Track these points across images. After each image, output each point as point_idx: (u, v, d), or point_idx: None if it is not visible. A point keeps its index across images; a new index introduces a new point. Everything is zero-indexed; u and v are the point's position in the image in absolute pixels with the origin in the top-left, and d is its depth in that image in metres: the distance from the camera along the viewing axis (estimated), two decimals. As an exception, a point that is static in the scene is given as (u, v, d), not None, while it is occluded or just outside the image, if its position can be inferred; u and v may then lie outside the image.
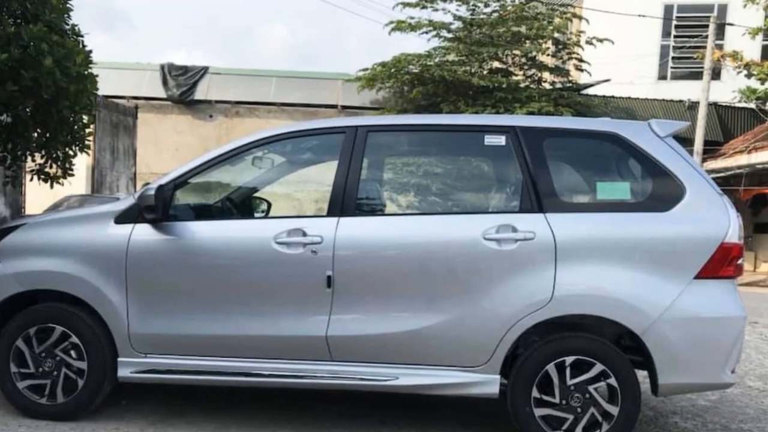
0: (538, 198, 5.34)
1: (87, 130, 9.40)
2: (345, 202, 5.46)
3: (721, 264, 5.15)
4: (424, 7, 26.42)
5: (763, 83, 26.49)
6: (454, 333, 5.23)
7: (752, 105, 28.39)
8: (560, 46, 27.36)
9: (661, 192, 5.35)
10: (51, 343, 5.58)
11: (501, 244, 5.22)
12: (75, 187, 13.87)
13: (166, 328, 5.49)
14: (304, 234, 5.37)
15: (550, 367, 5.16)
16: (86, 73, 8.75)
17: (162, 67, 28.87)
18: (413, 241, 5.38)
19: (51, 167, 9.17)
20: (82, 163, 15.59)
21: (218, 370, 5.48)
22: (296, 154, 6.48)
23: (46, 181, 9.26)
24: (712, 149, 26.47)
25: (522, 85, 25.86)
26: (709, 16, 27.30)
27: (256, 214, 6.88)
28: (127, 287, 5.50)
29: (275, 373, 5.43)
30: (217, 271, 5.49)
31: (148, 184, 5.81)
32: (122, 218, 5.59)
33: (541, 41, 26.13)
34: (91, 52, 8.90)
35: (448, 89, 25.35)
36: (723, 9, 30.20)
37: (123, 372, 5.56)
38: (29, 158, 9.24)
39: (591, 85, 27.74)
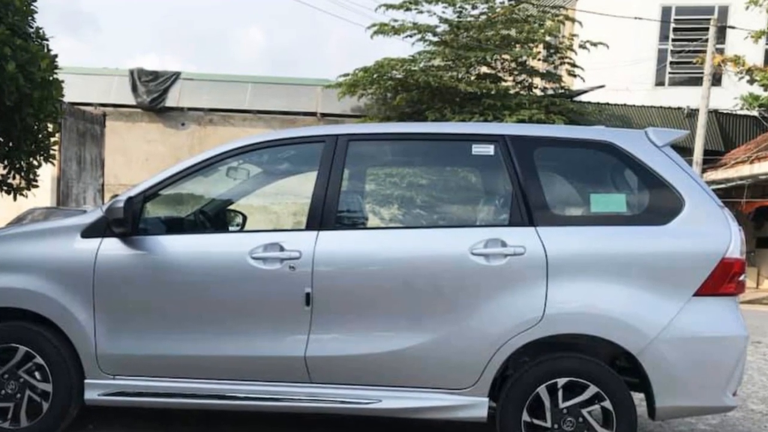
0: (528, 211, 5.35)
1: (52, 139, 9.42)
2: (325, 215, 5.46)
3: (722, 280, 5.17)
4: (408, 9, 26.40)
5: (766, 89, 26.64)
6: (439, 353, 5.23)
7: (755, 112, 28.47)
8: (552, 51, 27.46)
9: (658, 204, 5.37)
10: (14, 364, 5.55)
11: (489, 259, 5.23)
12: (39, 199, 13.85)
13: (136, 348, 5.47)
14: (282, 249, 5.37)
15: (541, 390, 5.16)
16: (51, 78, 8.76)
17: (131, 72, 28.76)
18: (397, 257, 5.38)
19: (14, 178, 9.16)
20: (46, 173, 15.47)
21: (191, 393, 5.46)
22: (273, 165, 6.49)
23: (9, 192, 9.25)
24: (712, 159, 26.57)
25: (512, 91, 25.92)
26: (709, 19, 27.48)
27: (230, 228, 6.88)
28: (94, 305, 5.48)
29: (251, 396, 5.42)
30: (189, 288, 5.49)
31: (116, 196, 5.80)
32: (89, 232, 5.58)
33: (531, 45, 26.22)
34: (56, 56, 8.92)
35: (434, 96, 25.41)
36: (724, 11, 30.37)
37: (90, 394, 5.54)
38: (-9, 169, 9.23)
39: (584, 92, 27.84)
